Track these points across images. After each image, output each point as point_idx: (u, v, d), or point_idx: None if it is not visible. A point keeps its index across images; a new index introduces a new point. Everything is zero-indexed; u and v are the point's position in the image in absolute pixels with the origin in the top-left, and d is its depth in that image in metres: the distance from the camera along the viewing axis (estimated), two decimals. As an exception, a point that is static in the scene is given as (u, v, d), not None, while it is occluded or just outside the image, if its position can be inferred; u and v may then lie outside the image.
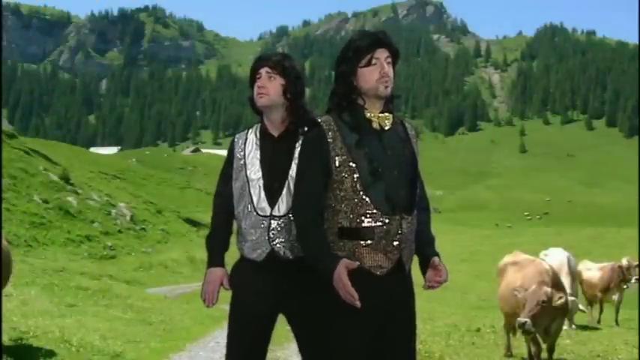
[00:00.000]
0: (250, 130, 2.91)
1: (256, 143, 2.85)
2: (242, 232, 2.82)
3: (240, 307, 2.80)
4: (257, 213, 2.76)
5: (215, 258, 2.86)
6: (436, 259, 2.61)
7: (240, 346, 2.78)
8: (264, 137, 2.85)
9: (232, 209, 2.85)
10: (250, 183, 2.78)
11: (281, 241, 2.73)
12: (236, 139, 2.91)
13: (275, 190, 2.75)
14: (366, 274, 2.44)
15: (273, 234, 2.73)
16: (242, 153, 2.85)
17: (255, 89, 2.85)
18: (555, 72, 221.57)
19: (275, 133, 2.84)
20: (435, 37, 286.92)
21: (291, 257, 2.72)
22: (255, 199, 2.77)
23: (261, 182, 2.77)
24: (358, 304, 2.34)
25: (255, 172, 2.79)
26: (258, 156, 2.81)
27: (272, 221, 2.74)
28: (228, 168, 2.88)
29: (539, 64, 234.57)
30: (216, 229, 2.91)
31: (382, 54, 2.57)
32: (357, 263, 2.41)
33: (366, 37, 2.60)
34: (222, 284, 2.82)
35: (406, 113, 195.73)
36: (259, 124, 2.90)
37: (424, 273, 2.63)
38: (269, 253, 2.74)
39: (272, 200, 2.75)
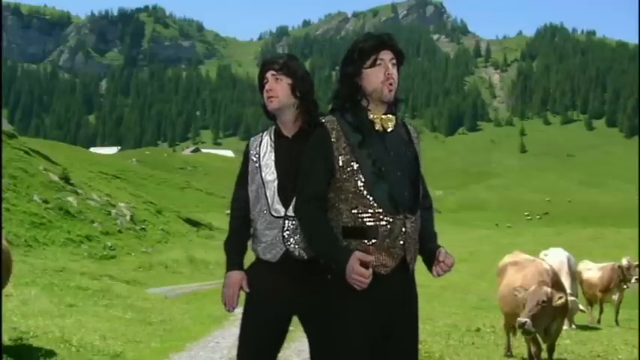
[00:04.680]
0: (265, 133, 2.92)
1: (271, 145, 2.86)
2: (256, 234, 2.83)
3: (254, 308, 2.79)
4: (271, 214, 2.77)
5: (234, 261, 2.86)
6: (442, 250, 2.61)
7: (252, 346, 2.78)
8: (279, 139, 2.86)
9: (249, 213, 2.86)
10: (266, 185, 2.79)
11: (295, 241, 2.73)
12: (251, 142, 2.92)
13: (289, 191, 2.74)
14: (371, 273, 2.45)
15: (287, 234, 2.74)
16: (257, 156, 2.86)
17: (265, 94, 2.86)
18: (555, 72, 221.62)
19: (289, 135, 2.85)
20: (435, 37, 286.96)
21: (305, 257, 2.72)
22: (269, 200, 2.78)
23: (275, 183, 2.78)
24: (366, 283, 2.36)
25: (270, 173, 2.80)
26: (273, 158, 2.82)
27: (286, 222, 2.74)
28: (244, 171, 2.90)
29: (539, 64, 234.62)
30: (233, 232, 2.91)
31: (387, 55, 2.59)
32: (372, 257, 2.42)
33: (371, 38, 2.62)
34: (241, 287, 2.81)
35: (406, 113, 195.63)
36: (274, 127, 2.91)
37: (430, 267, 2.63)
38: (284, 254, 2.75)
39: (286, 201, 2.75)
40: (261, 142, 2.88)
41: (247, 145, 2.93)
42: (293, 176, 2.71)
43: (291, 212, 2.72)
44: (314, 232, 2.50)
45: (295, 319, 2.83)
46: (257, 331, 2.76)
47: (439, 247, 2.64)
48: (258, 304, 2.77)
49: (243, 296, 2.84)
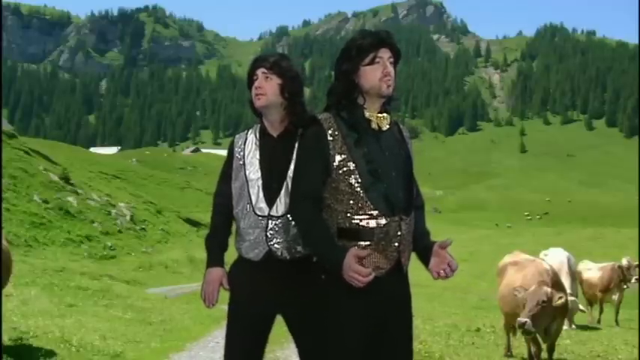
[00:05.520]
0: (250, 131, 2.92)
1: (256, 143, 2.85)
2: (240, 232, 2.82)
3: (238, 307, 2.79)
4: (255, 213, 2.76)
5: (214, 258, 2.86)
6: (438, 244, 2.54)
7: (239, 346, 2.78)
8: (264, 137, 2.85)
9: (231, 209, 2.85)
10: (249, 183, 2.78)
11: (278, 242, 2.72)
12: (236, 140, 2.92)
13: (274, 190, 2.74)
14: None
15: (270, 234, 2.73)
16: (241, 153, 2.85)
17: (253, 91, 2.85)
18: (555, 72, 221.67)
19: (274, 134, 2.84)
20: (435, 37, 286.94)
21: (288, 257, 2.72)
22: (253, 199, 2.76)
23: (260, 182, 2.77)
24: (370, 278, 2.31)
25: (254, 172, 2.79)
26: (258, 156, 2.81)
27: (270, 221, 2.73)
28: (228, 168, 2.89)
29: (539, 64, 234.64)
30: (215, 229, 2.91)
31: (385, 53, 2.55)
32: (367, 252, 2.38)
33: (370, 35, 2.58)
34: (221, 284, 2.81)
35: (406, 113, 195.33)
36: (259, 125, 2.90)
37: (427, 264, 2.57)
38: (266, 253, 2.74)
39: (270, 200, 2.74)
40: (246, 140, 2.87)
41: (232, 143, 2.91)
42: (277, 175, 2.72)
43: (275, 212, 2.72)
44: (308, 230, 2.46)
45: (280, 319, 2.83)
46: (244, 331, 2.76)
47: (433, 242, 2.57)
48: (242, 304, 2.77)
49: (225, 294, 2.82)
